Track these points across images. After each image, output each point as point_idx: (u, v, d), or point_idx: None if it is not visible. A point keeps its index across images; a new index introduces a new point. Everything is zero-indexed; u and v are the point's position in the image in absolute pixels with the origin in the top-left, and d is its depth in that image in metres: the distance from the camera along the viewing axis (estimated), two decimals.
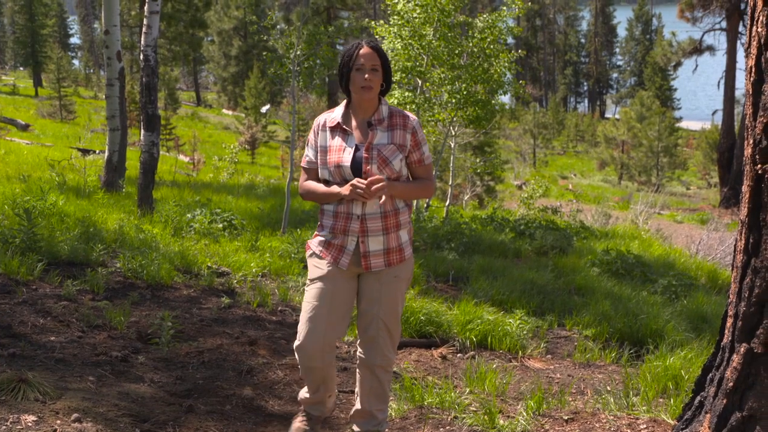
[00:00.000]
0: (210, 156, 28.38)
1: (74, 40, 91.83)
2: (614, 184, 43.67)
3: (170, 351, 5.19)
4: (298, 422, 4.07)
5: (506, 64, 13.71)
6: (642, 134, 44.60)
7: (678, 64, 41.92)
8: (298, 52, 10.70)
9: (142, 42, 10.66)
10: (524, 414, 4.36)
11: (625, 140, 47.28)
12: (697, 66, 39.39)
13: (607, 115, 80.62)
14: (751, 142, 3.01)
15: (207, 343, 5.46)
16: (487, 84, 13.62)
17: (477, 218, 14.82)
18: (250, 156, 34.62)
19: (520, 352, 6.20)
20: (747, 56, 3.07)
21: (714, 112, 41.53)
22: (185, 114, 48.95)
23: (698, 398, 3.38)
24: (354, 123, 3.78)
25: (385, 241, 3.76)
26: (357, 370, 4.00)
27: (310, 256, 3.88)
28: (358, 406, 4.02)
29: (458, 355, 6.07)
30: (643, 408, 4.51)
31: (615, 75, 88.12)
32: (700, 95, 79.70)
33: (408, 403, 4.60)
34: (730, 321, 3.20)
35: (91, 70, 75.10)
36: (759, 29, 2.97)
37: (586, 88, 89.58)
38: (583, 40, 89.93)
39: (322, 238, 3.83)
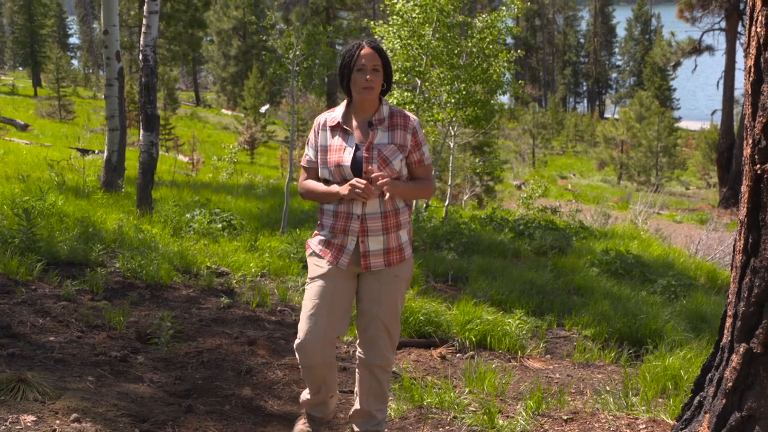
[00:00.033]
0: (209, 156, 28.37)
1: (73, 40, 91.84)
2: (613, 184, 43.67)
3: (169, 351, 5.19)
4: (300, 425, 4.06)
5: (505, 64, 13.71)
6: (641, 134, 44.62)
7: (677, 64, 41.94)
8: (297, 52, 10.70)
9: (141, 42, 10.66)
10: (523, 414, 4.36)
11: (625, 140, 47.29)
12: (696, 66, 39.41)
13: (607, 115, 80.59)
14: (750, 142, 3.01)
15: (206, 343, 5.46)
16: (486, 84, 13.62)
17: (476, 218, 14.81)
18: (249, 156, 34.62)
19: (519, 352, 6.20)
20: (746, 56, 3.07)
21: (713, 112, 41.54)
22: (184, 114, 48.96)
23: (697, 398, 3.38)
24: (354, 123, 3.78)
25: (385, 241, 3.76)
26: (356, 370, 4.00)
27: (310, 255, 3.88)
28: (357, 406, 4.02)
29: (457, 355, 6.07)
30: (643, 408, 4.51)
31: (614, 75, 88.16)
32: (699, 95, 79.71)
33: (407, 403, 4.60)
34: (729, 321, 3.20)
35: (90, 70, 75.12)
36: (758, 29, 2.97)
37: (585, 88, 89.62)
38: (582, 40, 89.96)
39: (322, 238, 3.83)
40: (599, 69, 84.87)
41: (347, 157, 3.69)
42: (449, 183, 16.26)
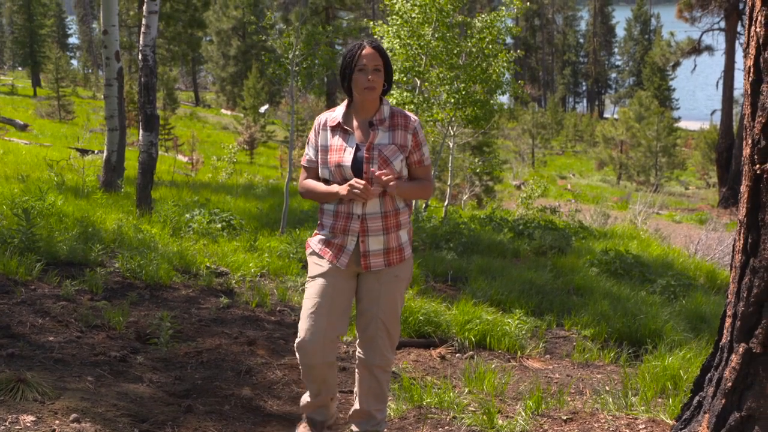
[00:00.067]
0: (209, 156, 28.37)
1: (73, 40, 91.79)
2: (613, 184, 43.68)
3: (169, 351, 5.19)
4: (301, 429, 4.05)
5: (505, 64, 13.71)
6: (641, 134, 44.62)
7: (677, 64, 41.98)
8: (297, 53, 10.69)
9: (141, 42, 10.66)
10: (523, 414, 4.36)
11: (624, 140, 47.29)
12: (695, 66, 39.43)
13: (606, 115, 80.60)
14: (750, 142, 3.01)
15: (206, 343, 5.46)
16: (485, 84, 13.62)
17: (476, 218, 14.82)
18: (248, 156, 34.62)
19: (518, 352, 6.20)
20: (745, 56, 3.07)
21: (712, 112, 41.56)
22: (184, 114, 48.95)
23: (697, 398, 3.38)
24: (355, 123, 3.77)
25: (385, 241, 3.76)
26: (356, 370, 4.00)
27: (310, 254, 3.88)
28: (356, 406, 4.02)
29: (457, 355, 6.07)
30: (642, 408, 4.51)
31: (614, 75, 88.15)
32: (698, 95, 79.73)
33: (407, 403, 4.60)
34: (728, 321, 3.20)
35: (90, 70, 75.11)
36: (757, 29, 2.97)
37: (584, 88, 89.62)
38: (581, 40, 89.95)
39: (322, 237, 3.82)
40: (599, 69, 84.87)
41: (348, 158, 3.68)
42: (449, 183, 16.26)
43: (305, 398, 4.02)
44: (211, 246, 8.82)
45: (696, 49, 37.44)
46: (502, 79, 14.04)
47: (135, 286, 6.71)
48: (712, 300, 8.91)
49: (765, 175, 2.95)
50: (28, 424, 3.55)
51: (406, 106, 12.88)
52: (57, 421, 3.63)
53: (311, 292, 3.78)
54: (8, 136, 26.32)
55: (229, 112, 54.79)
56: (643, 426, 4.15)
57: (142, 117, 10.67)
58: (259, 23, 19.19)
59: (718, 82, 35.44)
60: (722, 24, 34.82)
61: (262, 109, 43.45)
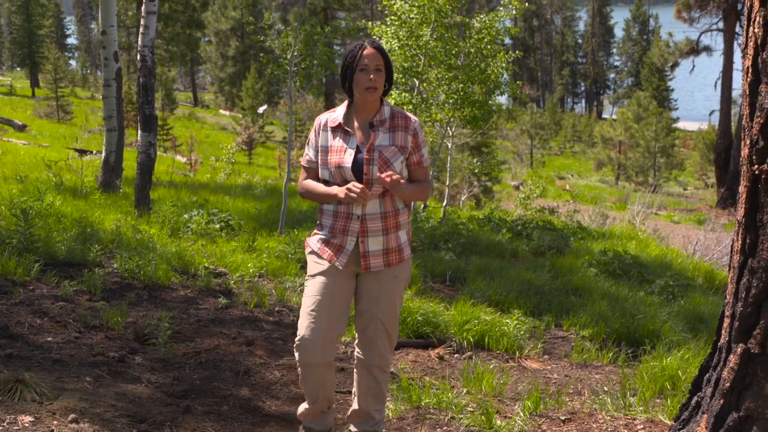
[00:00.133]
0: (207, 156, 28.38)
1: (71, 40, 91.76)
2: (611, 185, 43.71)
3: (167, 351, 5.19)
4: None
5: (503, 64, 13.71)
6: (639, 135, 44.64)
7: (675, 65, 42.01)
8: (295, 53, 10.70)
9: (139, 42, 10.65)
10: (521, 414, 4.36)
11: (622, 141, 47.31)
12: (694, 66, 39.43)
13: (604, 115, 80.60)
14: (748, 142, 3.02)
15: (204, 344, 5.46)
16: (484, 84, 13.63)
17: (474, 219, 14.82)
18: (247, 156, 34.62)
19: (517, 352, 6.20)
20: (744, 57, 3.07)
21: (711, 113, 41.55)
22: (182, 114, 48.92)
23: (695, 398, 3.38)
24: (356, 124, 3.76)
25: (385, 242, 3.76)
26: (354, 370, 3.99)
27: (310, 253, 3.86)
28: (355, 406, 4.01)
29: (455, 355, 6.07)
30: (640, 408, 4.51)
31: (612, 75, 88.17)
32: (697, 96, 79.77)
33: (405, 403, 4.60)
34: (727, 321, 3.20)
35: (88, 71, 75.09)
36: (756, 30, 2.97)
37: (583, 88, 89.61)
38: (580, 41, 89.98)
39: (321, 237, 3.82)
40: (597, 69, 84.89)
41: (348, 159, 3.67)
42: (447, 183, 16.25)
43: (303, 407, 3.96)
44: (209, 246, 8.82)
45: (694, 49, 37.46)
46: (501, 79, 14.04)
47: (133, 286, 6.71)
48: (710, 300, 8.92)
49: (763, 176, 2.95)
50: (27, 425, 3.54)
51: (405, 107, 12.87)
52: (55, 422, 3.63)
53: (311, 291, 3.77)
54: (7, 137, 26.31)
55: (227, 113, 54.76)
56: (642, 426, 4.15)
57: (141, 117, 10.67)
58: (257, 24, 19.15)
59: (716, 83, 35.47)
60: (720, 24, 34.84)
61: (261, 110, 43.46)
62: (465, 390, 4.95)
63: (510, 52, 14.18)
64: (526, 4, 15.63)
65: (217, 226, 9.81)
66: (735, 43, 33.35)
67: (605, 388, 5.18)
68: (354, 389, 4.02)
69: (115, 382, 4.45)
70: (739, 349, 3.06)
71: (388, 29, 13.37)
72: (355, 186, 3.56)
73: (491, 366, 5.62)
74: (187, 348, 5.32)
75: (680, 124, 55.55)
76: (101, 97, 14.20)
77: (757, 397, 3.01)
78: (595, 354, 6.38)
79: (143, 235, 8.47)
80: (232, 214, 10.63)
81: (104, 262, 7.27)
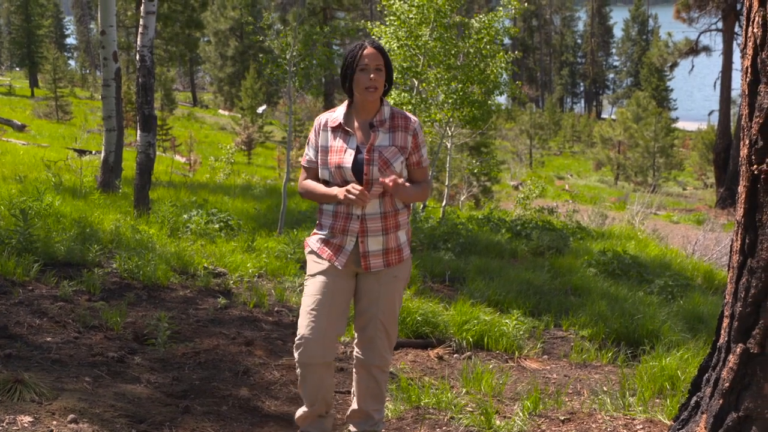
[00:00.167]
0: (206, 156, 28.35)
1: (70, 40, 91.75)
2: (611, 185, 43.72)
3: (167, 352, 5.19)
4: None
5: (503, 64, 13.71)
6: (638, 135, 44.65)
7: (674, 65, 42.01)
8: (294, 53, 10.69)
9: (139, 42, 10.65)
10: (520, 414, 4.36)
11: (622, 141, 47.32)
12: (693, 66, 39.44)
13: (604, 115, 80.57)
14: (747, 142, 3.02)
15: (203, 344, 5.46)
16: (483, 84, 13.63)
17: (473, 219, 14.82)
18: (246, 156, 34.61)
19: (516, 352, 6.20)
20: (743, 57, 3.07)
21: (710, 113, 41.57)
22: (181, 114, 48.90)
23: (694, 398, 3.38)
24: (356, 124, 3.76)
25: (385, 242, 3.75)
26: (353, 370, 3.99)
27: (309, 253, 3.86)
28: (354, 406, 4.01)
29: (455, 355, 6.07)
30: (640, 408, 4.52)
31: (611, 75, 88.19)
32: (696, 96, 79.78)
33: (404, 403, 4.60)
34: (726, 321, 3.20)
35: (88, 71, 75.07)
36: (755, 30, 2.97)
37: (582, 88, 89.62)
38: (579, 41, 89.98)
39: (321, 236, 3.81)
40: (596, 69, 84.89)
41: (348, 159, 3.67)
42: (446, 183, 16.25)
43: (300, 411, 3.93)
44: (208, 246, 8.82)
45: (693, 49, 37.47)
46: (500, 79, 14.04)
47: (132, 286, 6.71)
48: (709, 300, 8.92)
49: (762, 176, 2.95)
50: (26, 425, 3.54)
51: (404, 107, 12.87)
52: (54, 422, 3.63)
53: (311, 290, 3.76)
54: (6, 137, 26.30)
55: (226, 113, 54.75)
56: (641, 426, 4.16)
57: (140, 117, 10.67)
58: (256, 24, 19.19)
59: (715, 83, 35.48)
60: (720, 25, 34.84)
61: (260, 110, 43.46)
62: (464, 390, 4.95)
63: (509, 52, 14.18)
64: (526, 4, 15.62)
65: (217, 226, 9.81)
66: (734, 43, 33.36)
67: (604, 388, 5.19)
68: (353, 389, 4.02)
69: (115, 383, 4.45)
70: (738, 349, 3.06)
71: (388, 29, 13.37)
72: (355, 188, 3.56)
73: (490, 366, 5.62)
74: (186, 348, 5.32)
75: (679, 124, 55.59)
76: (100, 97, 14.20)
77: (757, 397, 3.01)
78: (595, 354, 6.37)
79: (142, 235, 8.47)
80: (232, 214, 10.62)
81: (103, 263, 7.27)
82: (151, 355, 5.08)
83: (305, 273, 3.91)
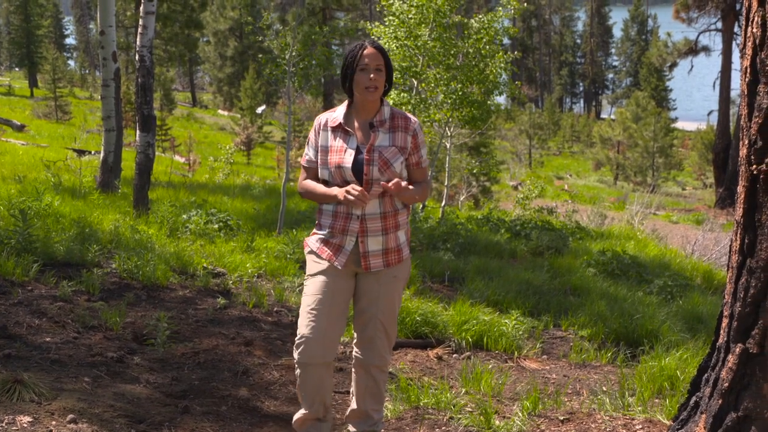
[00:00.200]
0: (206, 157, 28.35)
1: (70, 40, 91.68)
2: (610, 185, 43.72)
3: (166, 352, 5.19)
4: None
5: (502, 64, 13.72)
6: (638, 135, 44.65)
7: (673, 65, 42.03)
8: (294, 53, 10.69)
9: (138, 43, 10.65)
10: (520, 414, 4.36)
11: (621, 141, 47.33)
12: (692, 66, 39.43)
13: (603, 115, 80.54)
14: (747, 142, 3.02)
15: (203, 344, 5.46)
16: (482, 85, 13.63)
17: (473, 219, 14.82)
18: (245, 157, 34.59)
19: (515, 352, 6.20)
20: (742, 57, 3.07)
21: (709, 113, 41.60)
22: (181, 115, 48.88)
23: (694, 398, 3.38)
24: (356, 124, 3.76)
25: (384, 242, 3.75)
26: (353, 370, 3.99)
27: (309, 253, 3.86)
28: (353, 406, 4.01)
29: (454, 355, 6.07)
30: (639, 408, 4.52)
31: (611, 75, 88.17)
32: (695, 96, 79.81)
33: (404, 403, 4.60)
34: (725, 321, 3.20)
35: (87, 71, 74.99)
36: (754, 30, 2.97)
37: (581, 88, 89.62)
38: (578, 41, 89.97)
39: (321, 236, 3.81)
40: (596, 69, 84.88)
41: (348, 159, 3.67)
42: (446, 183, 16.26)
43: (299, 414, 3.90)
44: (208, 247, 8.82)
45: (693, 49, 37.49)
46: (499, 79, 14.05)
47: (132, 286, 6.71)
48: (709, 300, 8.91)
49: (762, 176, 2.95)
50: (25, 425, 3.54)
51: (403, 107, 12.88)
52: (54, 422, 3.63)
53: (311, 290, 3.76)
54: (5, 137, 26.28)
55: (226, 113, 54.72)
56: (640, 426, 4.16)
57: (139, 118, 10.67)
58: (256, 24, 19.18)
59: (714, 83, 35.49)
60: (719, 25, 34.85)
61: (259, 110, 43.45)
62: (463, 390, 4.95)
63: (508, 53, 14.19)
64: (525, 4, 15.64)
65: (216, 226, 9.81)
66: (733, 43, 33.36)
67: (604, 388, 5.19)
68: (352, 389, 4.02)
69: (114, 383, 4.45)
70: (737, 349, 3.06)
71: (387, 29, 13.37)
72: (355, 188, 3.56)
73: (490, 366, 5.62)
74: (185, 348, 5.32)
75: (679, 124, 55.59)
76: (100, 97, 14.21)
77: (756, 397, 3.01)
78: (594, 354, 6.38)
79: (142, 236, 8.47)
80: (231, 215, 10.62)
81: (103, 263, 7.27)
82: (150, 355, 5.08)
83: (305, 273, 3.91)
